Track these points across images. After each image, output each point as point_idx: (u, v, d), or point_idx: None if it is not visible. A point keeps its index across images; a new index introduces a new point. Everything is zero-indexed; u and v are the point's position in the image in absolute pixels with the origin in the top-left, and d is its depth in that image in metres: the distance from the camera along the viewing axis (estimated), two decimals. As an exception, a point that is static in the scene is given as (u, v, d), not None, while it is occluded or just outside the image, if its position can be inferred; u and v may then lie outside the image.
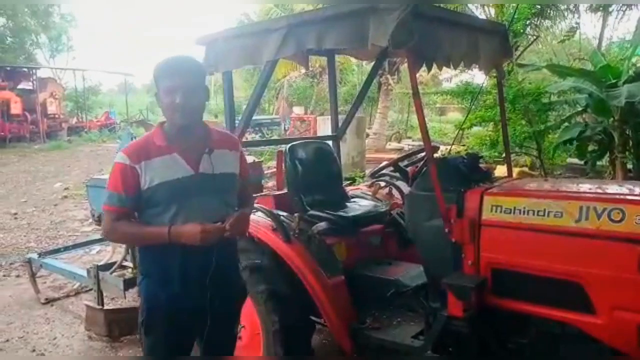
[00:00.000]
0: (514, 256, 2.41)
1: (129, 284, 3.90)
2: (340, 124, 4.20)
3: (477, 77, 18.18)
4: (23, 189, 11.84)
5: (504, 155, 9.64)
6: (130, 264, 4.18)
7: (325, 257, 2.96)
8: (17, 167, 15.77)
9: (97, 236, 5.50)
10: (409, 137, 20.93)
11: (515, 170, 8.14)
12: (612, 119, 8.01)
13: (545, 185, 2.65)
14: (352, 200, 3.68)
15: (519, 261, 2.40)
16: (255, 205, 3.23)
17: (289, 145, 3.52)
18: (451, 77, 23.76)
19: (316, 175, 3.53)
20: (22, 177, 13.51)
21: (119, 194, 2.04)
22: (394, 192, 3.90)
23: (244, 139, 3.48)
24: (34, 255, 5.09)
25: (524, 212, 2.37)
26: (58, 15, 31.57)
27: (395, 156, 13.19)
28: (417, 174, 2.99)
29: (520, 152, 10.14)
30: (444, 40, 2.66)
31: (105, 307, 4.15)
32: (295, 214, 3.12)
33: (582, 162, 9.65)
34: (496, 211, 2.45)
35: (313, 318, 3.02)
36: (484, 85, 8.93)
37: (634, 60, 8.70)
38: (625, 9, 12.70)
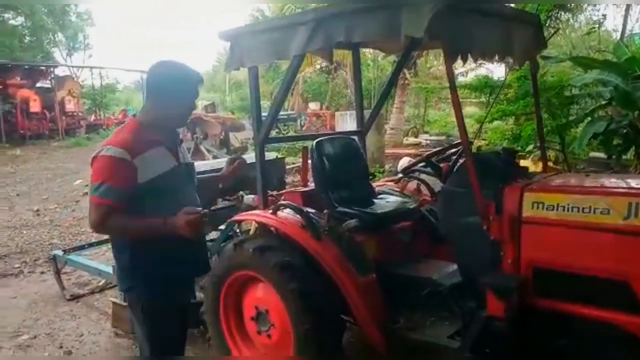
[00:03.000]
0: (557, 255, 2.33)
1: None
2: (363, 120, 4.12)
3: (496, 71, 17.96)
4: (44, 185, 11.95)
5: (527, 149, 9.47)
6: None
7: (356, 255, 2.90)
8: (38, 164, 15.93)
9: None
10: (426, 132, 20.75)
11: (539, 165, 8.00)
12: (637, 111, 7.82)
13: (587, 181, 2.56)
14: (380, 196, 3.61)
15: (562, 260, 2.32)
16: (284, 202, 3.18)
17: (316, 141, 3.45)
18: (467, 72, 23.57)
19: (343, 171, 3.46)
20: (43, 174, 13.64)
21: (117, 188, 2.08)
22: (422, 187, 3.83)
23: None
24: (59, 252, 5.10)
25: (567, 209, 2.28)
26: (74, 14, 31.83)
27: (413, 151, 13.06)
28: (450, 170, 2.91)
29: (543, 146, 9.98)
30: (479, 30, 2.58)
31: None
32: (325, 211, 3.06)
33: (605, 156, 9.45)
34: (538, 208, 2.36)
35: (343, 317, 2.97)
36: (505, 79, 8.79)
37: (661, 51, 8.47)
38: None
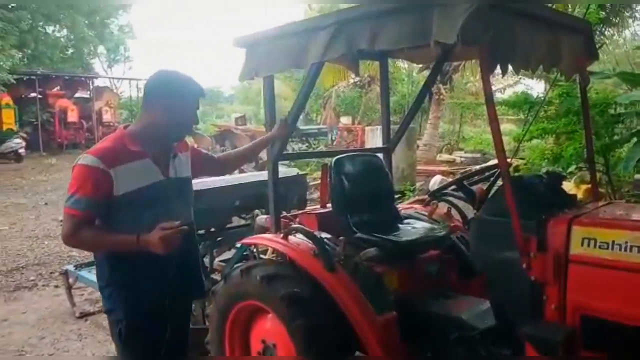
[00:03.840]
0: (611, 302, 1.95)
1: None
2: (391, 135, 3.80)
3: (535, 87, 17.37)
4: (73, 195, 11.98)
5: (568, 170, 8.95)
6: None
7: (374, 290, 2.57)
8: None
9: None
10: (461, 149, 20.18)
11: (582, 188, 7.50)
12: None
13: (652, 215, 2.17)
14: (406, 221, 3.26)
15: (617, 308, 1.94)
16: (296, 225, 2.88)
17: (335, 158, 3.14)
18: (504, 88, 22.96)
19: (365, 192, 3.13)
20: (74, 184, 13.72)
21: (88, 198, 1.96)
22: (453, 212, 3.46)
23: (285, 151, 3.13)
24: (71, 267, 4.93)
25: (625, 248, 1.91)
26: (116, 27, 32.59)
27: (446, 168, 12.63)
28: (485, 194, 2.55)
29: (585, 167, 9.45)
30: (521, 37, 2.23)
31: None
32: (341, 238, 2.74)
33: (657, 181, 8.84)
34: (589, 245, 2.00)
35: (359, 354, 2.63)
36: (546, 95, 8.32)
37: None
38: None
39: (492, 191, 2.69)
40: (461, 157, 17.26)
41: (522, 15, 2.22)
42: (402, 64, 20.07)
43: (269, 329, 2.79)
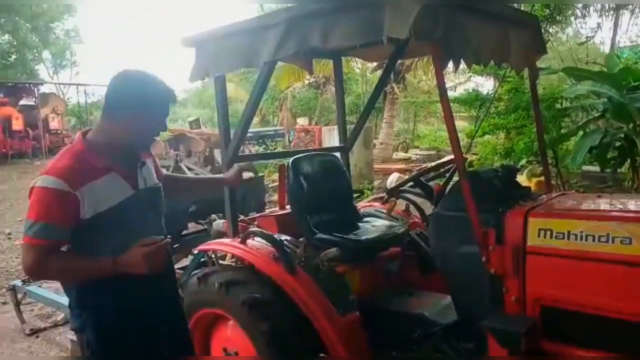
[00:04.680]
0: (570, 291, 1.98)
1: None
2: (348, 135, 3.78)
3: (485, 84, 17.81)
4: (21, 207, 11.45)
5: (520, 164, 9.18)
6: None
7: (336, 290, 2.53)
8: (17, 184, 15.41)
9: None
10: (416, 147, 20.50)
11: (534, 181, 7.73)
12: (632, 124, 7.60)
13: (603, 204, 2.21)
14: (365, 219, 3.24)
15: (575, 297, 1.97)
16: (254, 229, 2.82)
17: (292, 158, 3.09)
18: (455, 86, 23.46)
19: (324, 192, 3.09)
20: (22, 195, 13.12)
21: (52, 225, 1.74)
22: (412, 208, 3.47)
23: (241, 152, 3.05)
24: (18, 282, 4.66)
25: (581, 237, 1.93)
26: (62, 31, 31.49)
27: (403, 166, 12.75)
28: (442, 190, 2.56)
29: (535, 160, 9.77)
30: (472, 32, 2.25)
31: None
32: (301, 239, 2.69)
33: (599, 170, 9.22)
34: (545, 236, 2.02)
35: (323, 356, 2.58)
36: (495, 92, 8.54)
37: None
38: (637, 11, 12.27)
39: (449, 187, 2.70)
40: (417, 154, 17.54)
41: (472, 10, 2.23)
42: (356, 64, 20.18)
43: (230, 336, 2.72)
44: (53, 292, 4.52)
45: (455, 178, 2.95)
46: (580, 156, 8.22)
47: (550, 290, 2.02)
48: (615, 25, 12.65)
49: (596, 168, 9.31)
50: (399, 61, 17.34)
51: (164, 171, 2.34)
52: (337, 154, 3.58)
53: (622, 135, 7.88)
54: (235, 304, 2.55)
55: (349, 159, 3.67)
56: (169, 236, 1.94)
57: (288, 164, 3.05)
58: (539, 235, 2.03)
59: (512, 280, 2.08)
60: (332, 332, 2.40)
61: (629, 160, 8.08)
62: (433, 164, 3.07)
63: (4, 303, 5.31)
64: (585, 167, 10.29)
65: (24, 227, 1.78)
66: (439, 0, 1.97)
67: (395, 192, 3.08)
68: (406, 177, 10.79)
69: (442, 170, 2.92)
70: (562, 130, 9.04)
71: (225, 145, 2.87)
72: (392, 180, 10.64)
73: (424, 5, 1.91)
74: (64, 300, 4.14)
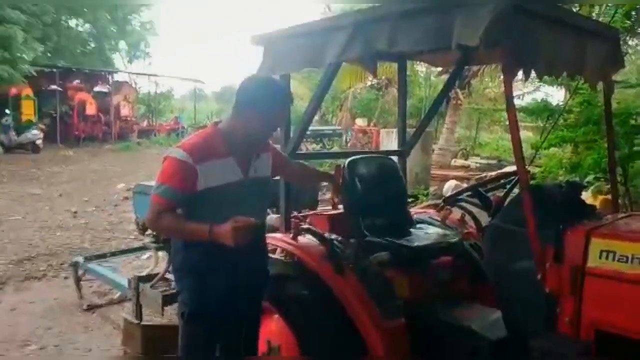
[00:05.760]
0: (630, 318, 1.88)
1: (168, 300, 3.59)
2: (407, 138, 3.74)
3: (555, 95, 17.12)
4: (88, 187, 12.09)
5: (586, 180, 8.79)
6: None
7: (383, 295, 2.52)
8: (87, 165, 16.27)
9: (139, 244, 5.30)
10: (476, 155, 19.99)
11: (599, 198, 7.37)
12: None
13: (673, 229, 2.08)
14: (418, 226, 3.20)
15: (634, 324, 1.86)
16: (306, 226, 2.85)
17: (349, 159, 3.10)
18: (523, 94, 22.68)
19: (378, 195, 3.08)
20: (89, 176, 13.85)
21: (174, 189, 2.08)
22: (467, 218, 3.39)
23: (299, 151, 3.08)
24: (80, 259, 4.93)
25: (646, 262, 1.83)
26: (138, 23, 32.83)
27: (461, 174, 12.42)
28: (501, 202, 2.49)
29: (603, 177, 9.32)
30: (546, 41, 2.17)
31: (144, 322, 3.86)
32: (352, 240, 2.69)
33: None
34: (607, 258, 1.93)
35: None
36: (566, 103, 8.17)
37: None
38: None
39: (509, 199, 2.63)
40: (476, 162, 17.09)
41: (547, 19, 2.15)
42: (420, 67, 19.92)
43: (275, 330, 2.75)
44: (111, 271, 4.76)
45: (516, 191, 2.87)
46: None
47: (608, 315, 1.93)
48: None
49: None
50: (466, 67, 16.97)
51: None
52: (395, 158, 3.56)
53: None
54: (283, 298, 2.59)
55: (406, 163, 3.63)
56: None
57: (344, 164, 3.06)
58: (600, 257, 1.94)
59: (567, 300, 2.00)
60: (374, 336, 2.39)
61: None
62: (493, 174, 2.99)
63: (66, 278, 5.62)
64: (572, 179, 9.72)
65: (154, 186, 2.15)
66: (512, 8, 1.91)
67: (451, 201, 3.02)
68: (464, 184, 10.57)
69: (501, 181, 2.84)
70: (635, 148, 8.58)
71: (285, 142, 2.91)
72: (449, 187, 10.46)
73: (496, 13, 1.86)
74: (121, 279, 4.36)
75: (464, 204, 3.16)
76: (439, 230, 3.17)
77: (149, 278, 3.92)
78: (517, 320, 2.26)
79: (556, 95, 18.17)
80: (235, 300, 2.22)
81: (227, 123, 2.23)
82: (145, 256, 5.92)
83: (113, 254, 5.12)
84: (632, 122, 8.70)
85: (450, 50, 2.22)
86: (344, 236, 2.86)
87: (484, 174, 13.16)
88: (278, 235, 2.89)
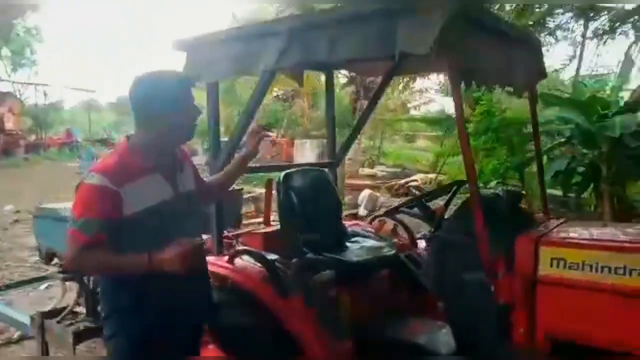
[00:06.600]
0: (584, 325, 1.90)
1: (80, 336, 3.21)
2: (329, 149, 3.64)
3: (447, 105, 18.07)
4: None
5: (489, 185, 9.28)
6: (83, 310, 3.47)
7: (330, 316, 2.39)
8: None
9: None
10: (382, 164, 20.59)
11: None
12: (597, 150, 7.80)
13: (618, 234, 2.15)
14: (353, 239, 3.12)
15: (589, 331, 1.89)
16: (244, 247, 2.65)
17: (283, 173, 2.95)
18: (419, 105, 23.76)
19: (314, 209, 2.95)
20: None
21: (95, 221, 1.80)
22: (399, 229, 3.37)
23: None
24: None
25: (597, 268, 1.86)
26: (23, 28, 30.37)
27: (369, 182, 12.63)
28: (442, 213, 2.46)
29: (504, 182, 9.94)
30: (485, 51, 2.18)
31: (51, 362, 3.42)
32: (294, 260, 2.54)
33: (561, 194, 9.44)
34: (558, 266, 1.94)
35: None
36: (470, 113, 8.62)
37: (621, 93, 8.56)
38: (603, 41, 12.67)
39: (448, 210, 2.62)
40: (382, 171, 17.57)
41: (488, 29, 2.16)
42: (322, 78, 20.16)
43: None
44: (5, 306, 4.20)
45: (456, 200, 2.87)
46: (547, 180, 8.38)
47: (562, 323, 1.94)
48: (581, 54, 13.08)
49: (558, 192, 9.53)
50: (370, 78, 17.41)
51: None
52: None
53: (587, 161, 8.08)
54: (219, 327, 2.37)
55: (336, 175, 3.55)
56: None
57: (279, 178, 2.90)
58: (551, 265, 1.95)
59: (521, 310, 1.99)
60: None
61: (591, 186, 8.30)
62: (437, 188, 2.98)
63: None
64: (549, 191, 10.53)
65: (70, 221, 1.85)
66: (461, 16, 1.88)
67: (393, 212, 2.97)
68: (378, 194, 10.70)
69: (438, 192, 2.83)
70: (528, 155, 9.24)
71: (214, 156, 2.71)
72: (364, 197, 10.58)
73: (447, 21, 1.82)
74: (20, 315, 3.85)
75: (397, 215, 3.13)
76: (375, 243, 3.11)
77: (54, 313, 3.49)
78: (468, 332, 2.23)
79: (448, 105, 19.23)
80: (182, 335, 1.99)
81: (138, 135, 1.96)
82: (43, 286, 5.33)
83: (8, 287, 4.52)
84: (525, 130, 9.39)
85: (379, 60, 2.13)
86: (280, 254, 2.70)
87: (394, 182, 13.55)
88: (211, 258, 2.67)
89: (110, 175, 1.80)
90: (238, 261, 2.55)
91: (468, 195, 2.10)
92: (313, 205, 2.92)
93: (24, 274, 6.01)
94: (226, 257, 2.57)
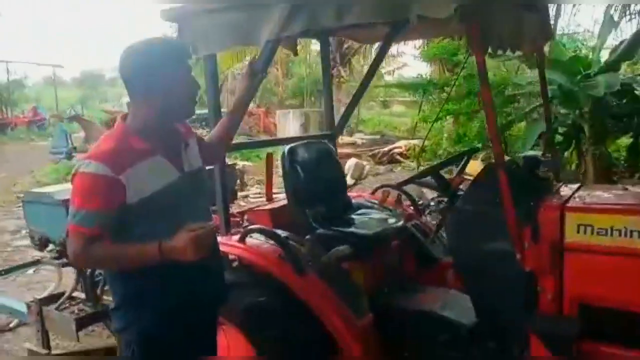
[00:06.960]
0: (613, 290, 1.90)
1: (83, 322, 3.11)
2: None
3: (422, 70, 17.98)
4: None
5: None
6: (82, 295, 3.36)
7: (349, 291, 2.34)
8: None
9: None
10: (360, 131, 20.55)
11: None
12: (578, 110, 7.87)
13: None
14: (360, 211, 3.07)
15: (619, 296, 1.89)
16: (257, 226, 2.57)
17: (288, 147, 2.85)
18: (393, 70, 23.59)
19: (320, 182, 2.88)
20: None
21: (97, 212, 1.65)
22: (403, 199, 3.33)
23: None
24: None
25: (625, 233, 1.85)
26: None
27: (350, 150, 12.55)
28: (458, 184, 2.41)
29: (487, 145, 10.01)
30: (500, 14, 2.11)
31: (54, 350, 3.32)
32: (308, 237, 2.47)
33: (540, 154, 9.55)
34: (585, 232, 1.92)
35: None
36: (457, 78, 8.59)
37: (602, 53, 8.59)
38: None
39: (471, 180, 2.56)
40: (362, 139, 17.53)
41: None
42: (300, 45, 19.87)
43: (227, 345, 2.45)
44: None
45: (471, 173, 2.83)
46: (530, 141, 8.47)
47: (591, 289, 1.93)
48: (557, 14, 13.04)
49: (538, 153, 9.64)
50: (346, 45, 17.08)
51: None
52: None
53: (570, 122, 8.16)
54: (236, 309, 2.31)
55: (336, 147, 3.46)
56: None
57: (284, 152, 2.80)
58: (578, 232, 1.93)
59: (548, 278, 1.97)
60: (348, 336, 2.21)
61: (572, 146, 8.41)
62: (453, 156, 2.92)
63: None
64: (528, 153, 10.66)
65: (69, 214, 1.70)
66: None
67: (403, 184, 2.91)
68: (364, 163, 10.68)
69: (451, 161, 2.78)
70: (509, 117, 9.29)
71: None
72: (350, 165, 10.51)
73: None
74: (16, 304, 3.72)
75: (405, 186, 3.08)
76: (382, 215, 3.06)
77: (52, 299, 3.37)
78: (491, 303, 2.21)
79: (421, 69, 19.10)
80: (198, 327, 1.88)
81: (133, 117, 1.79)
82: (31, 270, 5.17)
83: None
84: (507, 92, 9.40)
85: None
86: (289, 230, 2.63)
87: (374, 149, 13.52)
88: (222, 238, 2.58)
89: (109, 162, 1.65)
90: (249, 240, 2.47)
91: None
92: (319, 178, 2.85)
93: (8, 259, 5.83)
94: (236, 237, 2.49)
